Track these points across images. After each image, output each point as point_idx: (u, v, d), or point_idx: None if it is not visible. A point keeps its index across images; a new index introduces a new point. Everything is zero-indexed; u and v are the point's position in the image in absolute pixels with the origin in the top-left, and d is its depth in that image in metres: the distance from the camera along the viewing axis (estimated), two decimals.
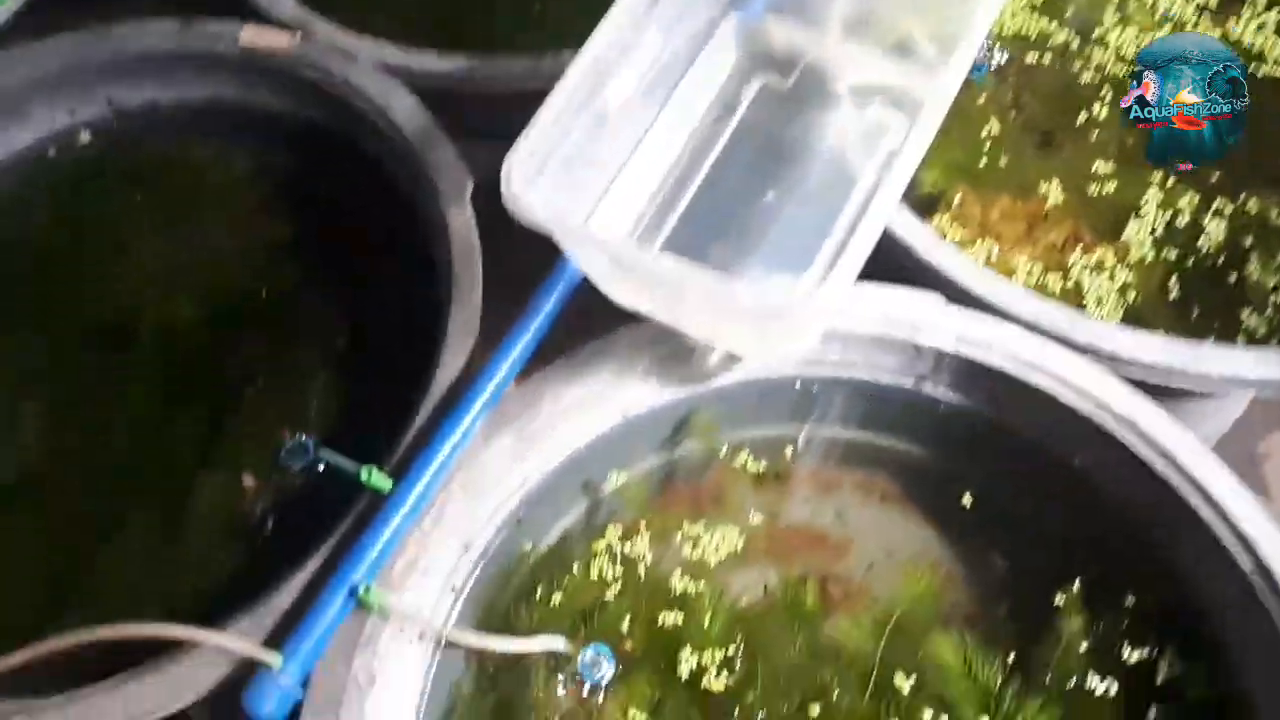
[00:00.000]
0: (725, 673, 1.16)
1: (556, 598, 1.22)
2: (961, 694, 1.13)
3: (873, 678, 1.15)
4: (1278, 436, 1.83)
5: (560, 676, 1.19)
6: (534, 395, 1.22)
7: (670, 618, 1.20)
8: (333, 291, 1.48)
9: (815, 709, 1.14)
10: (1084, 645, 1.15)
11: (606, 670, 1.18)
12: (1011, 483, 1.28)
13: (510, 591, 1.24)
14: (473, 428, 1.17)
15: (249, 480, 1.36)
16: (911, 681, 1.14)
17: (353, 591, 1.07)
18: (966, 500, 1.28)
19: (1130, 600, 1.17)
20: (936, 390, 1.27)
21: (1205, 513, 1.09)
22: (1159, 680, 1.13)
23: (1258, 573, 1.05)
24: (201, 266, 1.54)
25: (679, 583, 1.22)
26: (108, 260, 1.54)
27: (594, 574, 1.24)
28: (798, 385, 1.30)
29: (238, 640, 1.02)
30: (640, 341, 1.24)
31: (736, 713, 1.15)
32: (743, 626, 1.20)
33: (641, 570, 1.24)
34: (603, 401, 1.25)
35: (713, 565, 1.25)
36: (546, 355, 1.25)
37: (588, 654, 1.18)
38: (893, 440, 1.36)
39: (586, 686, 1.18)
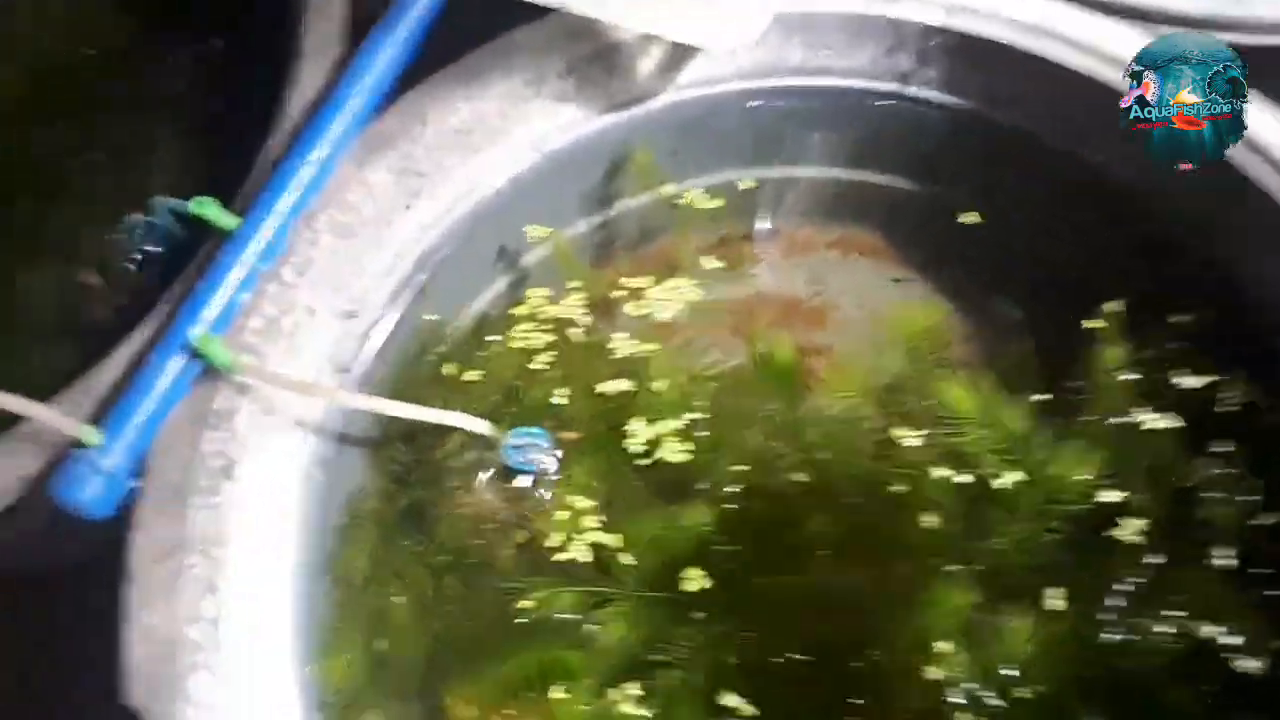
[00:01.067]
0: (685, 444, 0.92)
1: (474, 375, 0.97)
2: (980, 444, 0.90)
3: (867, 438, 0.93)
4: None
5: (484, 469, 0.95)
6: (415, 113, 0.95)
7: (614, 386, 0.95)
8: (171, 48, 1.19)
9: (799, 477, 0.91)
10: (1125, 376, 0.93)
11: (541, 455, 0.94)
12: (1017, 204, 1.04)
13: (419, 374, 0.98)
14: (337, 150, 0.90)
15: (91, 278, 1.08)
16: (917, 437, 0.92)
17: (191, 350, 0.80)
18: (967, 222, 1.04)
19: (1179, 319, 0.95)
20: (922, 90, 1.03)
21: (1274, 184, 0.86)
22: (1219, 409, 0.91)
23: None
24: (12, 34, 1.24)
25: (623, 346, 0.98)
26: None
27: (519, 343, 0.99)
28: (753, 103, 1.05)
29: (38, 408, 0.76)
30: (551, 40, 0.97)
31: (700, 487, 0.91)
32: (704, 392, 0.96)
33: (577, 335, 1.00)
34: (509, 127, 0.98)
35: (665, 322, 1.01)
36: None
37: (516, 437, 0.93)
38: (871, 174, 1.11)
39: (518, 477, 0.94)
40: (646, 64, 0.99)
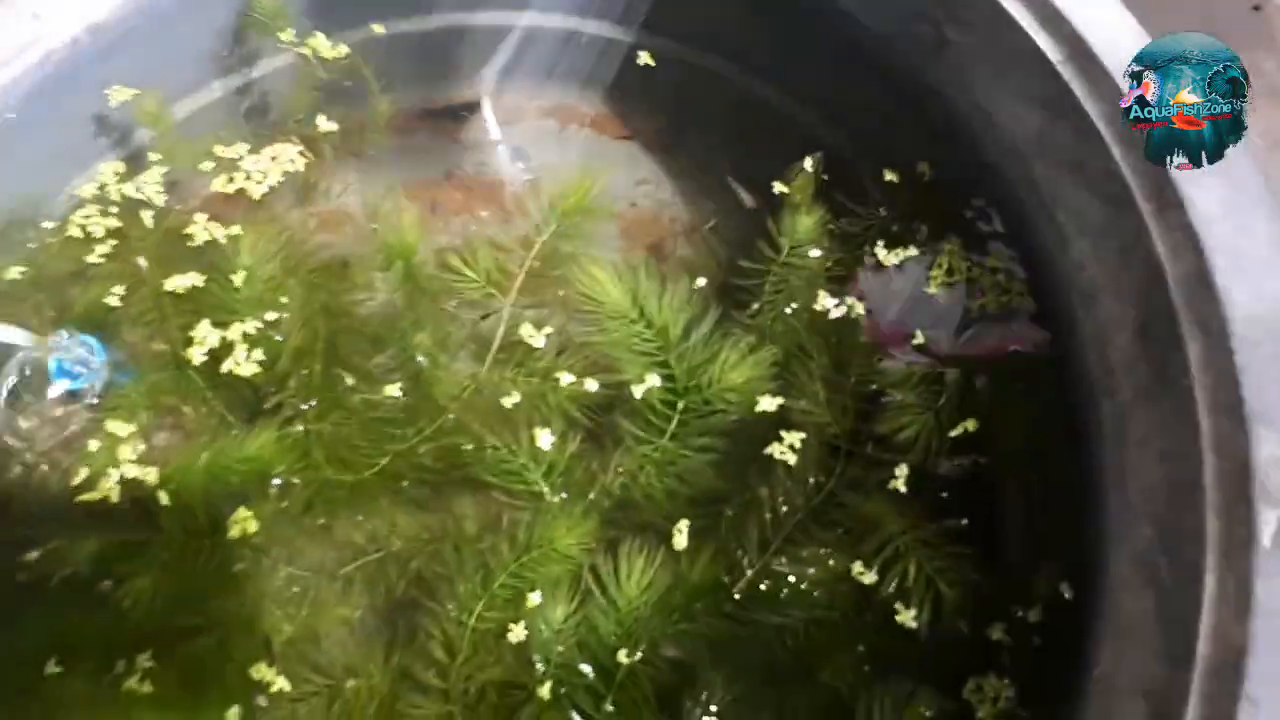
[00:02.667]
0: (260, 352, 0.73)
1: (14, 271, 0.78)
2: (619, 343, 0.70)
3: (494, 338, 0.73)
4: None
5: (23, 388, 0.76)
6: None
7: (183, 281, 0.76)
8: None
9: (392, 389, 0.72)
10: (814, 253, 0.72)
11: (91, 369, 0.75)
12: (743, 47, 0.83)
13: None
14: None
15: None
16: (544, 333, 0.72)
17: None
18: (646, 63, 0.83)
19: (888, 175, 0.74)
20: None
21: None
22: (933, 285, 0.71)
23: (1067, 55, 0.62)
24: None
25: (203, 230, 0.78)
26: None
27: (76, 230, 0.79)
28: None
29: None
30: None
31: (271, 405, 0.72)
32: (295, 287, 0.76)
33: (149, 219, 0.79)
34: None
35: (257, 199, 0.80)
36: None
37: (58, 346, 0.74)
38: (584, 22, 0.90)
39: (57, 397, 0.75)
40: None
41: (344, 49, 0.83)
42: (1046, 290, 0.68)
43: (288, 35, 0.83)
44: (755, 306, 0.71)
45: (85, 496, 0.70)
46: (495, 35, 0.94)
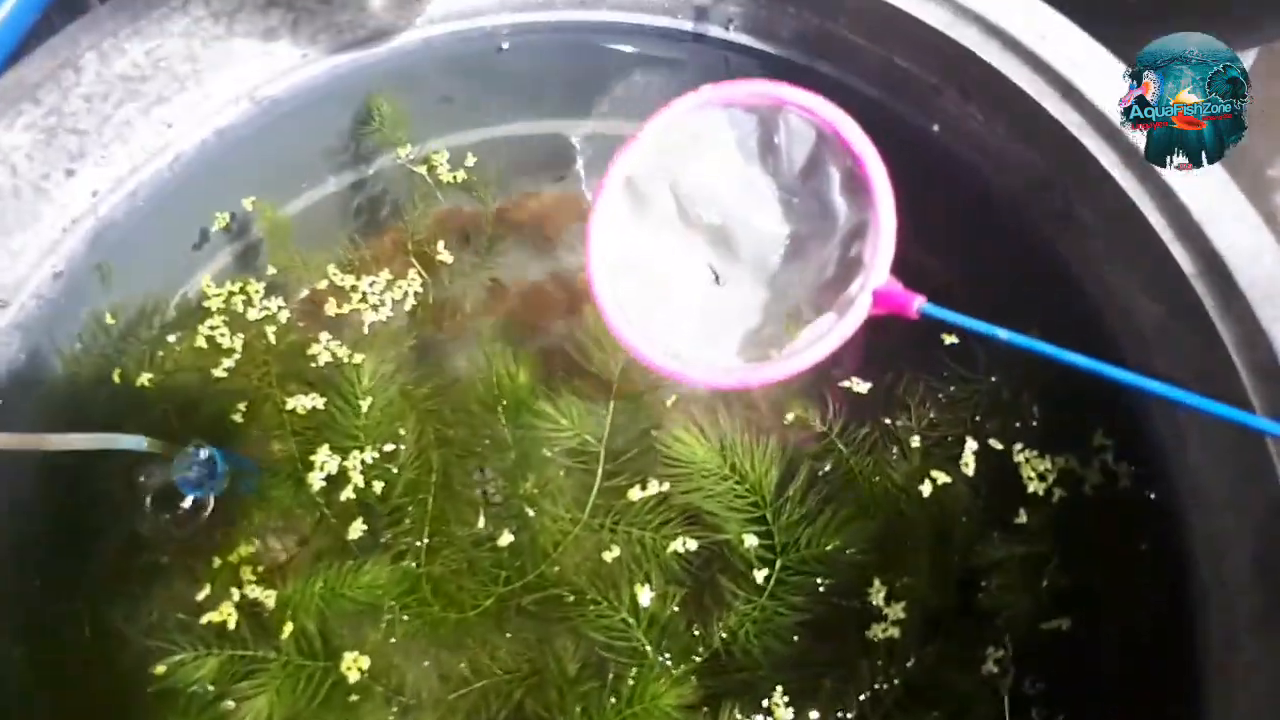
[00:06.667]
0: (380, 479, 0.76)
1: (146, 378, 0.82)
2: (720, 501, 0.72)
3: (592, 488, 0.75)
4: None
5: (150, 490, 0.80)
6: (65, 55, 0.77)
7: (304, 402, 0.79)
8: None
9: (503, 537, 0.74)
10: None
11: (213, 479, 0.78)
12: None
13: (88, 376, 0.83)
14: None
15: None
16: (657, 489, 0.73)
17: None
18: None
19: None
20: (728, 31, 0.81)
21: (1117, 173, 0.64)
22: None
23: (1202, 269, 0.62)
24: None
25: (324, 350, 0.81)
26: None
27: (202, 340, 0.82)
28: (504, 45, 0.84)
29: None
30: None
31: (396, 534, 0.75)
32: (416, 414, 0.79)
33: (272, 334, 0.82)
34: (203, 71, 0.80)
35: (375, 324, 0.83)
36: None
37: (185, 456, 0.78)
38: None
39: (186, 502, 0.79)
40: None
41: (462, 174, 0.85)
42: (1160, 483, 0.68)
43: (405, 150, 0.85)
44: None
45: (208, 617, 0.74)
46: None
